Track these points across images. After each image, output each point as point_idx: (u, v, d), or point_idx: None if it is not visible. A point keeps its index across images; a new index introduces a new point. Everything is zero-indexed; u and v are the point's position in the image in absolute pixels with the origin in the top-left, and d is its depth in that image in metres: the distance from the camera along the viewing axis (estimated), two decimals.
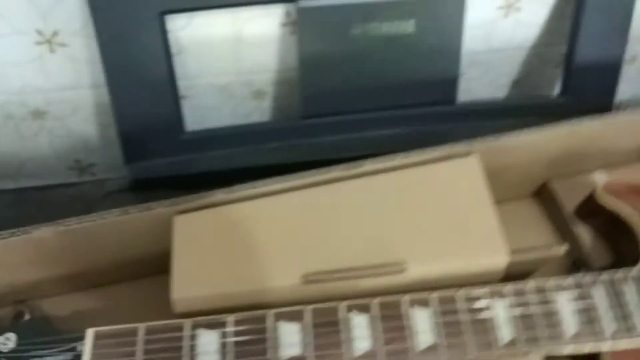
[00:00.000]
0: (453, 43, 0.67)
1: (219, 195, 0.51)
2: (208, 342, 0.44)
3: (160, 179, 0.68)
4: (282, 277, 0.47)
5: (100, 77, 0.68)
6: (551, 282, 0.47)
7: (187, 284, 0.47)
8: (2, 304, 0.55)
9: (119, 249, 0.53)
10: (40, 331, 0.49)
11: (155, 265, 0.55)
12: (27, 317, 0.51)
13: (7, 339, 0.48)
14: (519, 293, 0.46)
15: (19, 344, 0.49)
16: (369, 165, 0.52)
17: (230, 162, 0.68)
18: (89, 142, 0.81)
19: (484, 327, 0.45)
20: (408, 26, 0.65)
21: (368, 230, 0.49)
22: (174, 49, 0.67)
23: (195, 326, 0.45)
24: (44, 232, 0.50)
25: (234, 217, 0.51)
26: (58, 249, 0.51)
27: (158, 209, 0.50)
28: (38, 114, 0.77)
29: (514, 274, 0.50)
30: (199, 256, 0.49)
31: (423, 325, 0.44)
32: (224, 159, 0.69)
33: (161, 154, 0.68)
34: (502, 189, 0.52)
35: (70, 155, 0.82)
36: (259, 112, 0.81)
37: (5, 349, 0.48)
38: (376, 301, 0.45)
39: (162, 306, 0.53)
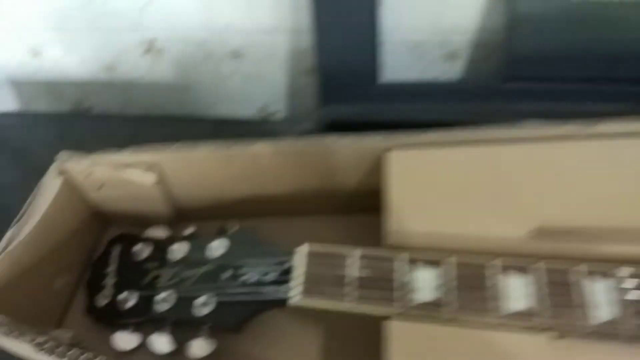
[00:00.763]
0: None
1: (435, 135, 0.50)
2: (425, 278, 0.43)
3: (351, 125, 0.68)
4: (509, 227, 0.45)
5: (301, 22, 0.69)
6: None
7: (403, 217, 0.46)
8: (208, 217, 0.58)
9: (328, 175, 0.53)
10: (249, 242, 0.50)
11: (359, 203, 0.55)
12: (235, 227, 0.52)
13: (220, 244, 0.50)
14: None
15: (229, 251, 0.50)
16: (603, 126, 0.48)
17: (424, 115, 0.66)
18: (277, 89, 0.83)
19: None
20: None
21: (606, 191, 0.45)
22: None
23: (412, 260, 0.44)
24: (261, 148, 0.51)
25: (452, 159, 0.49)
26: (271, 167, 0.52)
27: (371, 142, 0.50)
28: (236, 55, 0.80)
29: None
30: (415, 193, 0.48)
31: None
32: (416, 112, 0.67)
33: (355, 100, 0.68)
34: None
35: (260, 99, 0.84)
36: (448, 74, 0.79)
37: (217, 254, 0.50)
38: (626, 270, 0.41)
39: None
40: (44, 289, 0.51)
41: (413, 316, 0.40)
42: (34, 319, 0.47)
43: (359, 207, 0.56)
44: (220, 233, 0.52)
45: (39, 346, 0.40)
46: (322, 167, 0.52)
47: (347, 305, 0.43)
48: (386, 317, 0.42)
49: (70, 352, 0.40)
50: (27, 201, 0.49)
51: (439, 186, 0.48)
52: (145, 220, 0.57)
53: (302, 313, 0.46)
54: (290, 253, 0.47)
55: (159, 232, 0.55)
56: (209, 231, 0.53)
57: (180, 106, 0.86)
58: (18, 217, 0.48)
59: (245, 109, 0.85)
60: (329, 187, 0.54)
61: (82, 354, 0.40)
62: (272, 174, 0.53)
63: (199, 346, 0.48)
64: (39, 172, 0.51)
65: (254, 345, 0.51)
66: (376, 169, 0.51)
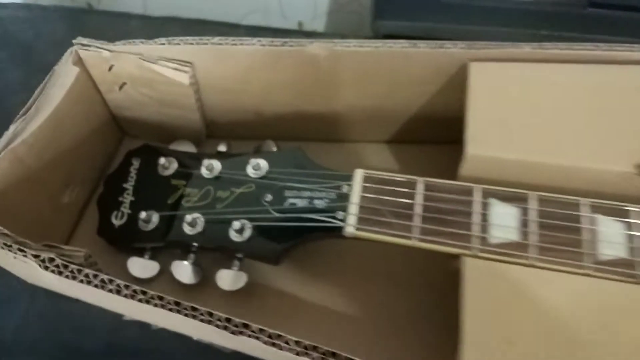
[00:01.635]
0: None
1: (525, 48, 0.41)
2: (503, 214, 0.35)
3: None
4: (606, 161, 0.37)
5: None
6: None
7: (483, 141, 0.38)
8: (242, 136, 0.50)
9: (394, 91, 0.45)
10: (296, 163, 0.42)
11: (426, 130, 0.47)
12: (273, 148, 0.44)
13: (261, 163, 0.42)
14: None
15: (271, 171, 0.42)
16: None
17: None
18: (318, 7, 0.74)
19: None
20: None
21: None
22: None
23: (487, 194, 0.36)
24: (318, 49, 0.42)
25: (543, 77, 0.41)
26: (326, 75, 0.44)
27: (451, 49, 0.41)
28: None
29: None
30: (499, 113, 0.40)
31: None
32: (480, 34, 0.58)
33: (413, 16, 0.59)
34: None
35: (299, 13, 0.76)
36: None
37: (256, 174, 0.42)
38: None
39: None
40: (49, 202, 0.43)
41: (489, 257, 0.35)
42: (36, 236, 0.39)
43: (426, 136, 0.49)
44: (260, 151, 0.44)
45: (46, 263, 0.33)
46: (388, 80, 0.44)
47: (411, 241, 0.36)
48: (456, 256, 0.36)
49: (83, 273, 0.32)
50: (34, 94, 0.40)
51: (526, 108, 0.40)
52: (170, 133, 0.49)
53: (351, 247, 0.38)
54: (344, 177, 0.39)
55: (186, 148, 0.47)
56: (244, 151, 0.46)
57: (210, 11, 0.76)
58: (22, 111, 0.40)
59: (282, 22, 0.76)
60: (391, 107, 0.46)
61: (96, 276, 0.33)
62: (326, 84, 0.44)
63: (229, 279, 0.41)
64: (44, 72, 0.42)
65: (292, 281, 0.45)
66: (451, 89, 0.43)
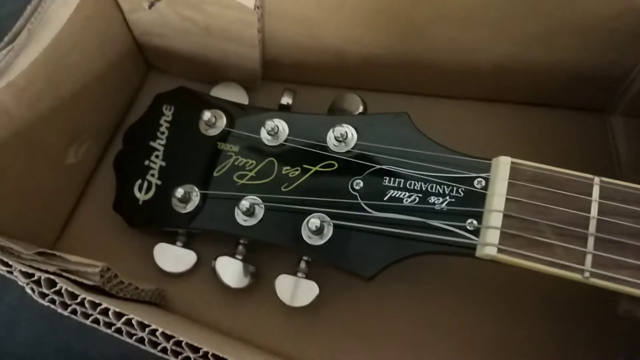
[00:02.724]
0: None
1: None
2: None
3: None
4: None
5: None
6: None
7: None
8: (309, 81, 0.36)
9: (560, 33, 0.31)
10: (398, 134, 0.29)
11: (589, 94, 0.34)
12: (359, 107, 0.31)
13: (346, 130, 0.29)
14: None
15: (363, 143, 0.29)
16: None
17: None
18: None
19: None
20: None
21: None
22: None
23: None
24: None
25: None
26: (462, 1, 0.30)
27: None
28: None
29: None
30: None
31: None
32: None
33: None
34: None
35: None
36: None
37: (338, 148, 0.29)
38: None
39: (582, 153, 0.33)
40: (47, 165, 0.31)
41: None
42: (27, 214, 0.27)
43: (570, 99, 0.36)
44: (337, 110, 0.31)
45: (42, 289, 0.20)
46: (548, 19, 0.30)
47: (582, 275, 0.24)
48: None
49: (99, 309, 0.20)
50: (25, 13, 0.27)
51: None
52: (214, 72, 0.35)
53: (457, 263, 0.26)
54: (479, 165, 0.27)
55: (234, 94, 0.34)
56: (308, 106, 0.32)
57: None
58: (7, 38, 0.26)
59: None
60: (538, 58, 0.32)
61: (120, 315, 0.20)
62: (450, 19, 0.30)
63: (295, 289, 0.30)
64: None
65: (371, 298, 0.32)
66: (633, 40, 0.30)
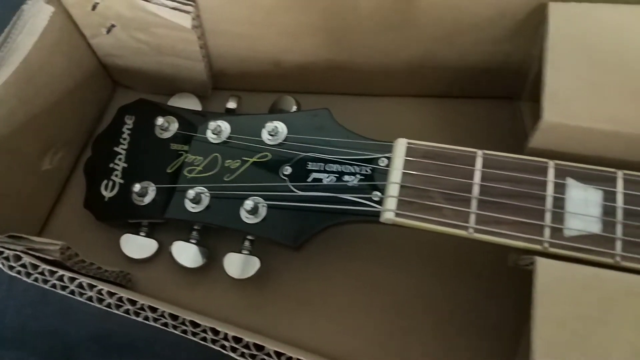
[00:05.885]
0: None
1: None
2: (584, 199, 0.28)
3: None
4: None
5: None
6: None
7: (565, 105, 0.30)
8: (255, 87, 0.42)
9: (456, 34, 0.36)
10: (322, 127, 0.34)
11: (492, 84, 0.39)
12: (293, 107, 0.36)
13: (278, 127, 0.35)
14: None
15: (291, 137, 0.35)
16: None
17: None
18: None
19: None
20: None
21: None
22: None
23: (563, 173, 0.29)
24: None
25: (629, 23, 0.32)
26: (373, 13, 0.35)
27: None
28: None
29: None
30: (585, 68, 0.31)
31: None
32: None
33: None
34: None
35: None
36: None
37: (273, 140, 0.34)
38: None
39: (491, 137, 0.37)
40: (24, 171, 0.36)
41: (564, 254, 0.28)
42: (9, 214, 0.32)
43: (478, 90, 0.41)
44: (275, 111, 0.36)
45: (10, 262, 0.26)
46: (443, 23, 0.35)
47: (466, 231, 0.29)
48: (524, 251, 0.29)
49: (56, 276, 0.25)
50: (0, 37, 0.32)
51: (621, 63, 0.31)
52: (170, 85, 0.41)
53: (384, 229, 0.31)
54: (382, 147, 0.32)
55: (188, 103, 0.40)
56: (254, 108, 0.38)
57: None
58: None
59: None
60: (443, 56, 0.37)
61: (72, 280, 0.25)
62: (366, 28, 0.36)
63: (239, 265, 0.35)
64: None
65: (312, 267, 0.37)
66: (518, 35, 0.35)
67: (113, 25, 0.37)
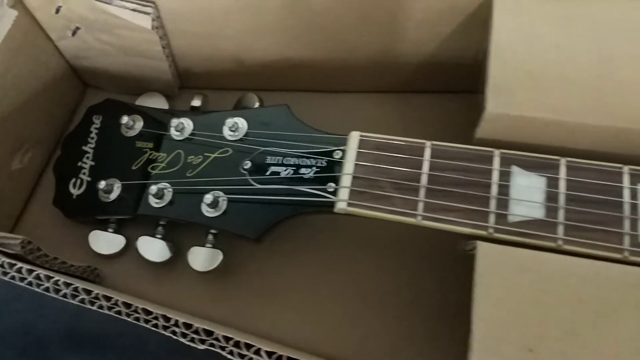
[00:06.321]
0: None
1: None
2: (527, 186, 0.29)
3: None
4: None
5: None
6: None
7: (508, 97, 0.31)
8: (220, 86, 0.43)
9: (408, 30, 0.37)
10: (280, 123, 0.35)
11: (448, 79, 0.40)
12: (255, 103, 0.38)
13: (239, 123, 0.36)
14: None
15: (251, 132, 0.36)
16: None
17: None
18: None
19: None
20: None
21: None
22: None
23: (508, 161, 0.30)
24: None
25: (588, 16, 0.33)
26: (326, 12, 0.36)
27: None
28: None
29: None
30: (528, 61, 0.32)
31: None
32: None
33: None
34: None
35: None
36: None
37: (234, 136, 0.35)
38: None
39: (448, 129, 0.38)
40: None
41: (508, 239, 0.28)
42: None
43: (435, 84, 0.42)
44: (239, 107, 0.37)
45: None
46: (395, 20, 0.36)
47: (415, 219, 0.30)
48: (471, 237, 0.30)
49: (15, 268, 0.26)
50: None
51: (563, 55, 0.32)
52: (138, 84, 0.42)
53: (343, 220, 0.32)
54: (336, 140, 0.33)
55: (156, 102, 0.41)
56: (221, 105, 0.39)
57: None
58: None
59: None
60: (397, 52, 0.39)
61: (30, 271, 0.27)
62: (321, 27, 0.37)
63: (202, 258, 0.36)
64: None
65: (274, 259, 0.38)
66: (468, 30, 0.36)
67: (78, 28, 0.38)
